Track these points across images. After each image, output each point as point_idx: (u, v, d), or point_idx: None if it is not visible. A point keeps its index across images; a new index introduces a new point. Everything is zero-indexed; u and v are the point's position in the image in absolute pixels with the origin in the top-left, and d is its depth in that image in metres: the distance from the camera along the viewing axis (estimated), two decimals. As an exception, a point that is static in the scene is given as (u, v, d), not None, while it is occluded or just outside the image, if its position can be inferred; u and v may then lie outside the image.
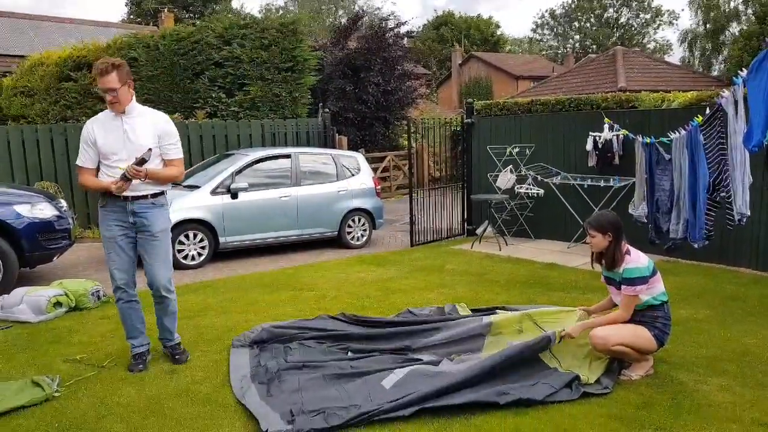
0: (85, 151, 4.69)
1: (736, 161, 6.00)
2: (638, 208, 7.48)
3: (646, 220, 7.32)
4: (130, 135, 4.65)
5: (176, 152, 4.84)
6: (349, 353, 5.00)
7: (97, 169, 4.74)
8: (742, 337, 5.39)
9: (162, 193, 4.88)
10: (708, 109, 6.44)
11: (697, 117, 6.43)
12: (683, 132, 6.56)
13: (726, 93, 6.01)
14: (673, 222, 6.81)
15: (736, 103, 5.91)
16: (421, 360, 4.75)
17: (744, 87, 5.74)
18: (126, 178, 4.54)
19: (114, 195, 4.63)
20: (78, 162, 4.73)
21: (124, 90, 4.58)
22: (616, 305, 4.75)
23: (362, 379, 4.38)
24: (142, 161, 4.55)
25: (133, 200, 4.70)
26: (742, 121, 5.90)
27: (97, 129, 4.66)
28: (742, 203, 6.03)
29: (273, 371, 4.59)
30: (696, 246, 6.60)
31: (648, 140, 7.16)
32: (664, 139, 6.89)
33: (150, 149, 4.61)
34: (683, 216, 6.64)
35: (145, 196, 4.74)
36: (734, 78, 5.84)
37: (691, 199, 6.49)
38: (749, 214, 6.10)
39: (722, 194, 6.26)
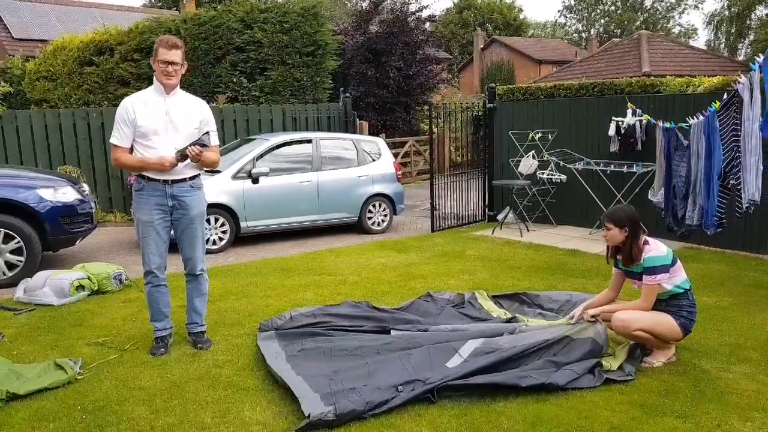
0: (122, 130, 4.63)
1: (749, 147, 5.90)
2: (657, 194, 7.40)
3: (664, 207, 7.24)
4: (173, 117, 4.66)
5: (214, 138, 4.89)
6: (392, 332, 4.97)
7: (130, 150, 4.72)
8: (766, 324, 5.32)
9: (198, 175, 4.91)
10: (725, 94, 6.35)
11: (715, 103, 6.33)
12: (701, 117, 6.47)
13: (743, 79, 5.91)
14: (689, 209, 6.74)
15: (751, 88, 5.81)
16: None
17: (760, 73, 5.64)
18: (184, 158, 4.59)
19: (152, 179, 4.67)
20: (113, 140, 4.66)
21: (181, 69, 4.68)
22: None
23: (426, 352, 4.38)
24: (202, 145, 4.62)
25: (172, 183, 4.72)
26: (756, 106, 5.80)
27: (138, 107, 4.62)
28: (755, 190, 5.92)
29: (312, 351, 4.59)
30: (709, 233, 6.53)
31: (667, 125, 7.07)
32: (683, 125, 6.80)
33: (208, 133, 4.71)
34: (698, 203, 6.57)
35: (183, 180, 4.76)
36: (751, 63, 5.74)
37: (706, 186, 6.41)
38: (759, 201, 5.98)
39: (732, 181, 6.17)
